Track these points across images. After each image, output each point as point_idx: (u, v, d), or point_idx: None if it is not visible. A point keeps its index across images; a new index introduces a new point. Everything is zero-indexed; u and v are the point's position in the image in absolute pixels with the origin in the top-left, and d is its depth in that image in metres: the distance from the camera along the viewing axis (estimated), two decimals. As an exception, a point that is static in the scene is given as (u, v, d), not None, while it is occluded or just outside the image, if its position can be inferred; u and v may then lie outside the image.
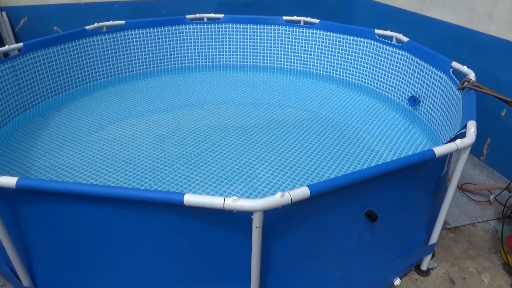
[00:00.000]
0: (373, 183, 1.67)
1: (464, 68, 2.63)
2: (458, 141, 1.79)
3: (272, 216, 1.49)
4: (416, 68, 3.18)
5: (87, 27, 3.67)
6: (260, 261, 1.56)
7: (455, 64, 2.72)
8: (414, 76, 3.21)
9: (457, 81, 2.65)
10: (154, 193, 1.46)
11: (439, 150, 1.74)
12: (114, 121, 3.14)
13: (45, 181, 1.53)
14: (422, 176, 1.91)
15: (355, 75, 3.80)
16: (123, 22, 3.87)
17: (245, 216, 1.44)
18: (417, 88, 3.17)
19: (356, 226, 1.78)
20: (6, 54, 3.06)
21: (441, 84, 2.85)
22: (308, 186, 1.47)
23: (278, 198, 1.40)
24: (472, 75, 2.51)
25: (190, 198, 1.41)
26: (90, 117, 3.21)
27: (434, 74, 2.94)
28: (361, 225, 1.79)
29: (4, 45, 3.28)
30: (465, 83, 2.41)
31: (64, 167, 2.55)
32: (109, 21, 3.83)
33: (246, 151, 2.73)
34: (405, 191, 1.88)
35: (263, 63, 4.22)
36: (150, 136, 2.92)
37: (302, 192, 1.45)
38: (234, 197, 1.40)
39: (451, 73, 2.74)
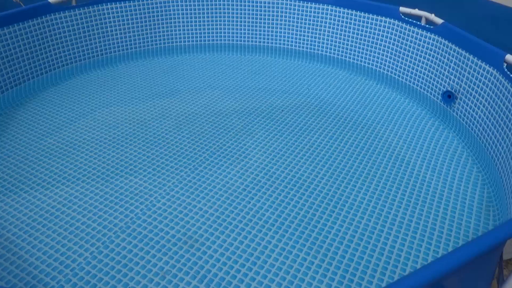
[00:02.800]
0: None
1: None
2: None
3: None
4: (453, 57, 2.67)
5: (51, 0, 3.00)
6: None
7: (510, 58, 2.23)
8: (450, 67, 2.70)
9: (513, 79, 2.17)
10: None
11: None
12: (89, 116, 2.57)
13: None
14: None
15: (374, 61, 3.27)
16: (96, -7, 3.21)
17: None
18: (454, 81, 2.68)
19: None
20: None
21: (489, 81, 2.36)
22: None
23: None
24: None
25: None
26: (62, 113, 2.62)
27: (481, 68, 2.43)
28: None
29: None
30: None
31: (35, 178, 2.01)
32: (79, -8, 3.16)
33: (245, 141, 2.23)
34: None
35: (264, 43, 3.63)
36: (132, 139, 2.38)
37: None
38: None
39: (505, 69, 2.25)
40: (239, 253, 1.71)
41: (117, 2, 3.26)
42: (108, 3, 3.24)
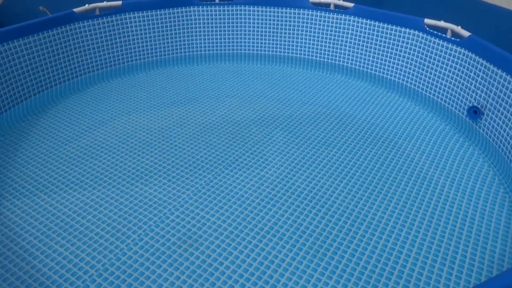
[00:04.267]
0: None
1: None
2: None
3: None
4: (480, 71, 2.57)
5: (76, 10, 3.05)
6: None
7: (542, 74, 2.12)
8: (476, 82, 2.60)
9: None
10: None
11: None
12: (108, 124, 2.59)
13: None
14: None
15: (397, 73, 3.19)
16: (119, 2, 3.25)
17: None
18: (480, 96, 2.58)
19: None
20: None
21: (518, 97, 2.26)
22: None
23: None
24: None
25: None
26: (82, 120, 2.65)
27: (509, 83, 2.33)
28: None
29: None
30: None
31: (51, 185, 2.02)
32: (103, 1, 3.21)
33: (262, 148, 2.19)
34: None
35: (285, 53, 3.60)
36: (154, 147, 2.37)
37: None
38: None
39: (536, 85, 2.14)
40: (254, 268, 1.67)
41: (139, 12, 3.30)
42: (131, 12, 3.28)
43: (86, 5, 3.10)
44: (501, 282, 1.15)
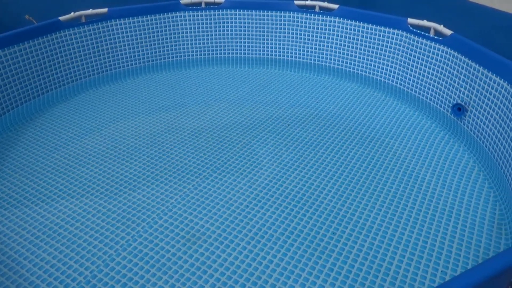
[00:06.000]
0: None
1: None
2: None
3: None
4: (463, 69, 2.61)
5: (61, 18, 3.05)
6: None
7: (522, 70, 2.16)
8: (459, 79, 2.64)
9: (525, 92, 2.11)
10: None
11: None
12: (96, 132, 2.59)
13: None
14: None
15: (383, 73, 3.22)
16: (105, 10, 3.26)
17: None
18: (464, 94, 2.61)
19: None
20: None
21: (500, 94, 2.29)
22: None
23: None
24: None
25: None
26: (70, 129, 2.65)
27: (491, 80, 2.37)
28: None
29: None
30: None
31: (40, 194, 2.02)
32: (88, 9, 3.21)
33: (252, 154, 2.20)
34: None
35: (272, 56, 3.62)
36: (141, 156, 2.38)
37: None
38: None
39: (516, 81, 2.18)
40: (242, 269, 1.67)
41: (126, 18, 3.30)
42: (117, 19, 3.28)
43: (72, 13, 3.10)
44: (463, 281, 1.17)
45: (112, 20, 3.27)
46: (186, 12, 3.50)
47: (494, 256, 1.31)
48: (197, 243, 1.81)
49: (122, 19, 3.30)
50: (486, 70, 2.41)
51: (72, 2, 3.56)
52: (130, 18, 3.33)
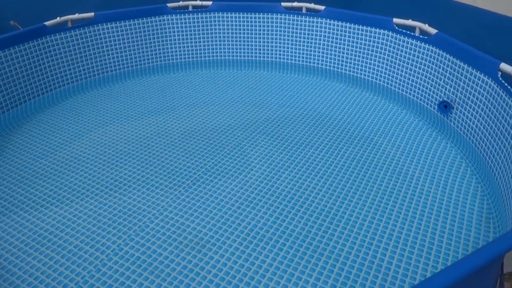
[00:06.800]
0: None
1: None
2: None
3: None
4: (448, 67, 2.65)
5: (47, 23, 3.03)
6: None
7: (505, 66, 2.20)
8: (445, 77, 2.68)
9: (509, 87, 2.14)
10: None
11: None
12: (84, 137, 2.57)
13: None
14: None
15: (370, 72, 3.26)
16: (92, 14, 3.24)
17: None
18: (450, 91, 2.65)
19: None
20: None
21: (484, 90, 2.34)
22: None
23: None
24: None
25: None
26: (58, 134, 2.62)
27: (475, 77, 2.41)
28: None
29: None
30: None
31: (28, 200, 2.00)
32: (74, 13, 3.19)
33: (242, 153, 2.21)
34: None
35: (260, 57, 3.64)
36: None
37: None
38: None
39: (500, 77, 2.22)
40: (235, 270, 1.68)
41: (112, 22, 3.29)
42: (104, 23, 3.27)
43: (58, 18, 3.08)
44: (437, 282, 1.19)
45: (99, 24, 3.26)
46: (174, 15, 3.50)
47: (482, 246, 1.33)
48: (189, 245, 1.81)
49: (109, 23, 3.29)
50: (470, 67, 2.45)
51: (57, 7, 3.54)
52: (117, 22, 3.32)
